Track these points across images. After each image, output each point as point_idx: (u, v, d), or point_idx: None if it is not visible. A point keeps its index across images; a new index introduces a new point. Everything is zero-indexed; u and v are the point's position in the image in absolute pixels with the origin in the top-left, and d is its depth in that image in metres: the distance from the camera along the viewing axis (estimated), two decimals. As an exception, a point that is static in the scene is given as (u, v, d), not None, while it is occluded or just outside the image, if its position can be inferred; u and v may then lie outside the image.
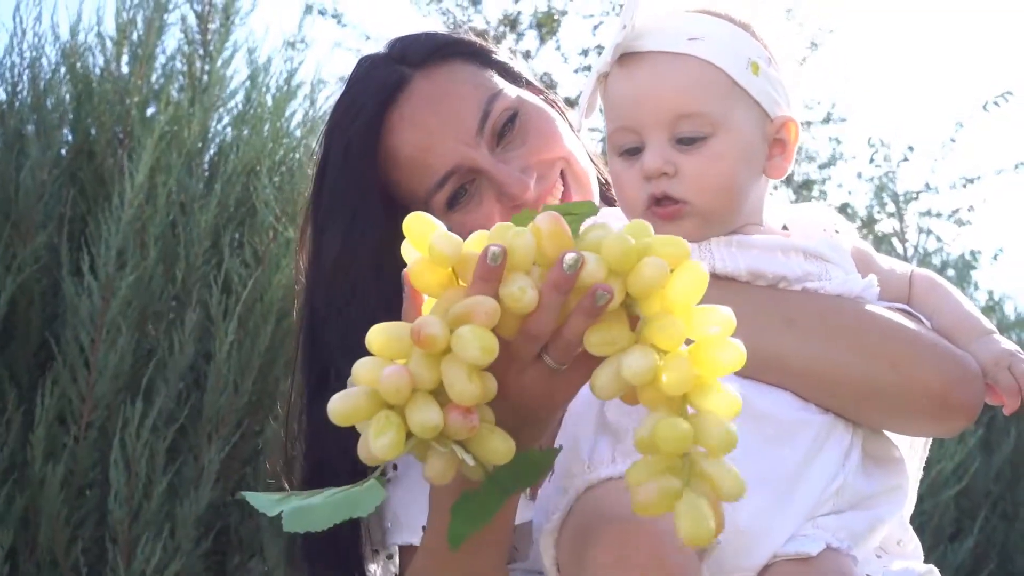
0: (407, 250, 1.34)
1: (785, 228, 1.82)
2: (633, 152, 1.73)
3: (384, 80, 1.94)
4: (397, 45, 2.01)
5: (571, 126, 2.06)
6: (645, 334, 1.27)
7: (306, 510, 1.25)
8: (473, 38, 2.06)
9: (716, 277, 1.68)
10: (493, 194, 1.92)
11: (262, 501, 1.29)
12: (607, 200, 2.06)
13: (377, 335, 1.27)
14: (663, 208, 1.70)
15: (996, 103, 11.41)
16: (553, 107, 2.06)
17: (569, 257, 1.25)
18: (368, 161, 1.92)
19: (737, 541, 1.53)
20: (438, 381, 1.25)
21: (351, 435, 1.76)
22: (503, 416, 1.31)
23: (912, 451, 1.82)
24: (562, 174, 1.98)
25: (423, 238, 1.30)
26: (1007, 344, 1.75)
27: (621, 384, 1.27)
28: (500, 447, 1.29)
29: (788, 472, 1.60)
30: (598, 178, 2.09)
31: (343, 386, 1.36)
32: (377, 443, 1.22)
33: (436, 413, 1.23)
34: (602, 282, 1.26)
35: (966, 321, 1.79)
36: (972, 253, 8.23)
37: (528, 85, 2.06)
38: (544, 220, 1.28)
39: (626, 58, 1.73)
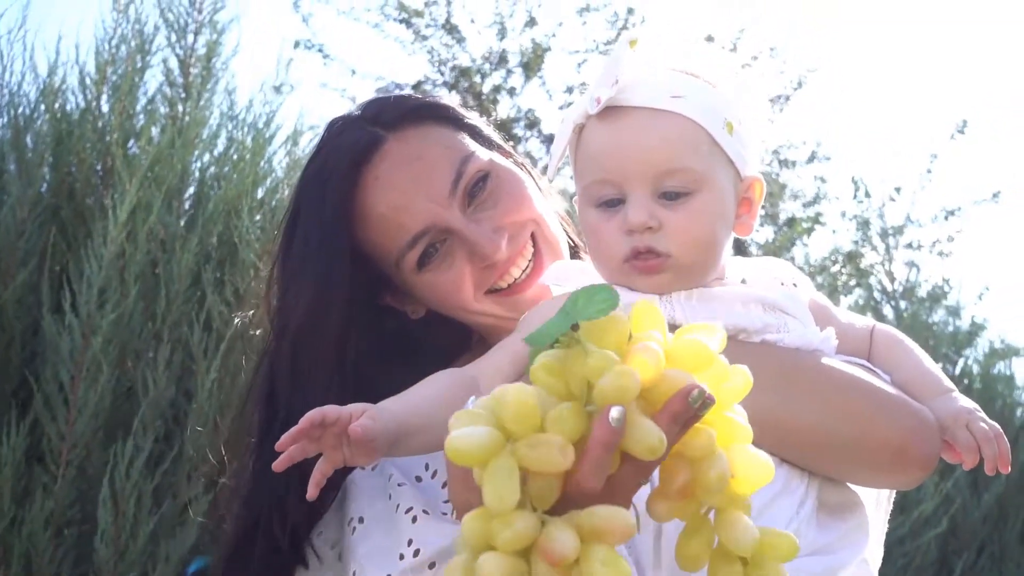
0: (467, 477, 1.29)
1: (744, 281, 1.83)
2: (612, 204, 1.73)
3: (358, 141, 1.97)
4: (370, 107, 2.04)
5: (540, 189, 2.09)
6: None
7: None
8: (446, 101, 2.09)
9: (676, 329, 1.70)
10: (464, 254, 1.95)
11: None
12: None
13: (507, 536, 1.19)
14: (643, 261, 1.71)
15: (961, 131, 11.60)
16: (523, 169, 2.08)
17: (694, 395, 1.24)
18: (340, 224, 1.94)
19: None
20: None
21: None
22: None
23: (877, 504, 1.82)
24: (533, 236, 2.01)
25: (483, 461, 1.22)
26: (966, 402, 1.77)
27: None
28: None
29: None
30: (568, 241, 2.11)
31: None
32: None
33: None
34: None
35: (926, 378, 1.82)
36: (945, 281, 8.28)
37: (499, 148, 2.08)
38: (646, 356, 1.25)
39: (607, 111, 1.73)
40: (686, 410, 1.24)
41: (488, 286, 1.97)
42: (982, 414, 1.75)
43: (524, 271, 1.98)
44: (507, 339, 1.78)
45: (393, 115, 2.00)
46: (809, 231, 11.60)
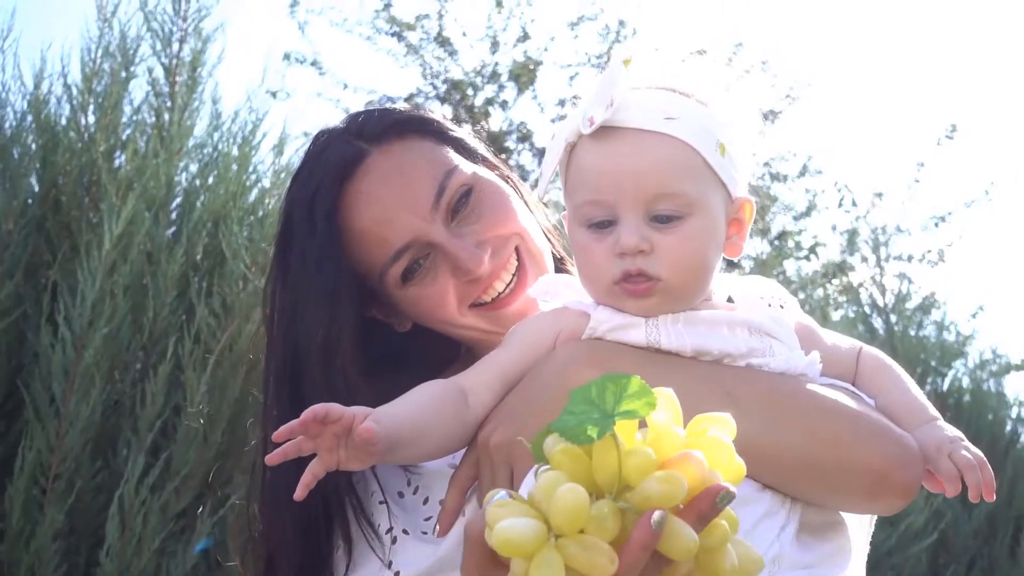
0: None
1: (730, 300, 1.82)
2: (603, 226, 1.71)
3: (342, 155, 1.96)
4: (355, 120, 2.03)
5: (525, 202, 2.08)
6: None
7: None
8: (430, 115, 2.08)
9: (661, 352, 1.70)
10: (448, 268, 1.94)
11: None
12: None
13: None
14: (634, 285, 1.70)
15: (949, 136, 11.65)
16: (508, 183, 2.07)
17: (721, 496, 1.26)
18: (334, 241, 1.92)
19: None
20: None
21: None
22: None
23: (860, 525, 1.82)
24: (517, 250, 1.99)
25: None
26: (950, 431, 1.75)
27: None
28: None
29: None
30: (553, 254, 2.10)
31: None
32: None
33: None
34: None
35: (911, 405, 1.80)
36: (932, 295, 8.30)
37: (484, 161, 2.07)
38: (694, 466, 1.26)
39: (600, 131, 1.70)
40: (712, 510, 1.26)
41: (472, 300, 1.96)
42: (966, 443, 1.73)
43: (508, 285, 1.97)
44: (494, 353, 1.77)
45: (377, 129, 1.99)
46: (806, 257, 11.64)
